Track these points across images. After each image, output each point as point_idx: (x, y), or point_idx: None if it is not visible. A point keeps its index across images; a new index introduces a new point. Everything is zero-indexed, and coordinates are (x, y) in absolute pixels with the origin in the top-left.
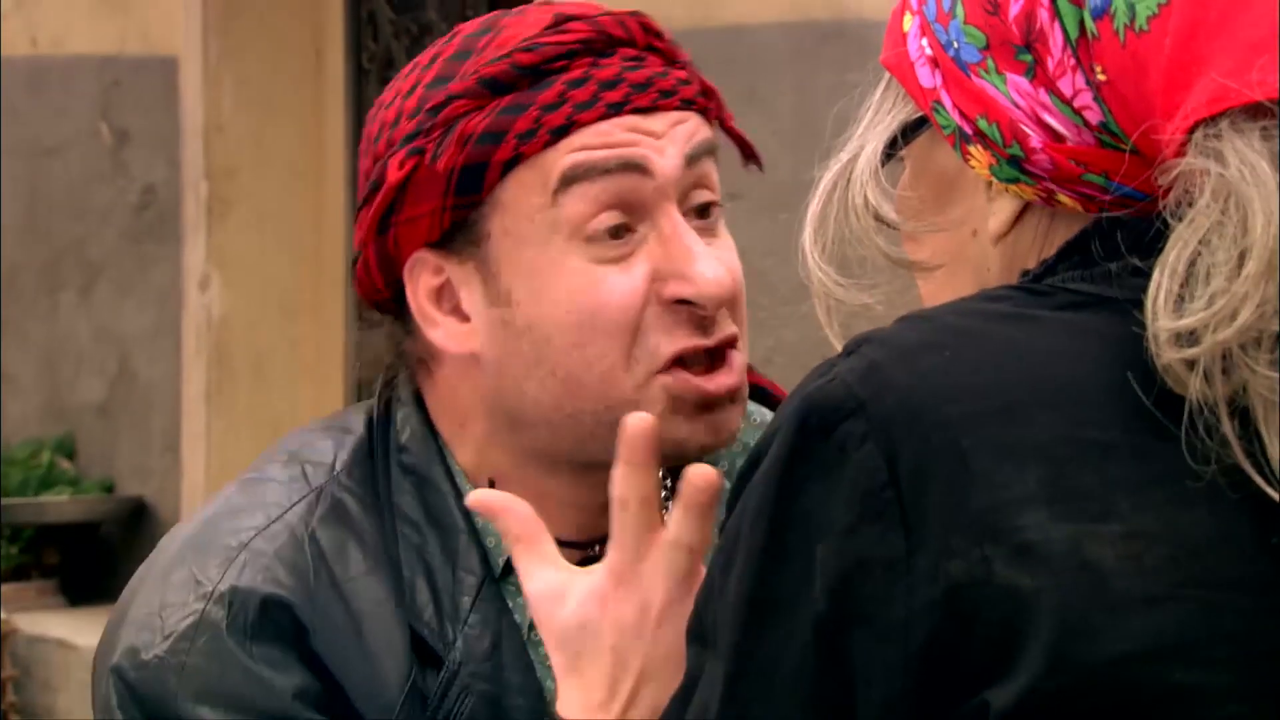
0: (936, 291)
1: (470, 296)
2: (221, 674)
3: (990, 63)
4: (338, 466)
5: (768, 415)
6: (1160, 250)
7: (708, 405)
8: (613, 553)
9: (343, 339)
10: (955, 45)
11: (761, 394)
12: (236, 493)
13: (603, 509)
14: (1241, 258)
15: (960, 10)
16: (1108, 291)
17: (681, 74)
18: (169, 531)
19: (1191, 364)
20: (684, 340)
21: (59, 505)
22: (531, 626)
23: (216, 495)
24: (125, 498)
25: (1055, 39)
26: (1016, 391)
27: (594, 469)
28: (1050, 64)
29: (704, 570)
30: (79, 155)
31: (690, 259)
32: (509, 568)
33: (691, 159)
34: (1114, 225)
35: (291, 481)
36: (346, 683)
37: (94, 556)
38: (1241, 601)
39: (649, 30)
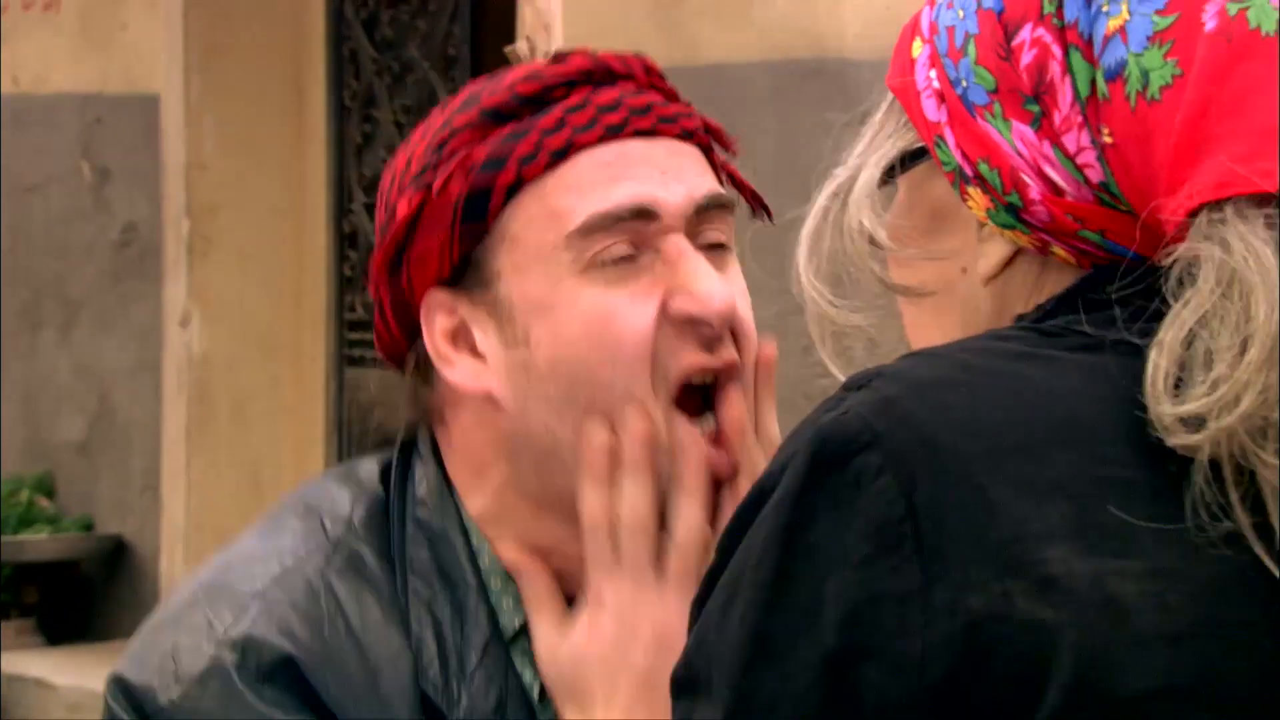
0: (922, 320)
1: (485, 337)
2: (233, 718)
3: (997, 107)
4: (355, 519)
5: None
6: (1157, 324)
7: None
8: (591, 577)
9: (324, 377)
10: (964, 84)
11: None
12: (253, 540)
13: None
14: (1244, 345)
15: (972, 49)
16: (1116, 336)
17: (683, 108)
18: (183, 578)
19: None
20: (689, 357)
21: (38, 544)
22: (541, 692)
23: (231, 542)
24: (104, 536)
25: (1065, 94)
26: (1034, 428)
27: None
28: (1057, 118)
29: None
30: (60, 193)
31: (694, 277)
32: (520, 631)
33: (702, 209)
34: (1108, 279)
35: (309, 532)
36: None
37: (73, 595)
38: (1261, 642)
39: (650, 70)
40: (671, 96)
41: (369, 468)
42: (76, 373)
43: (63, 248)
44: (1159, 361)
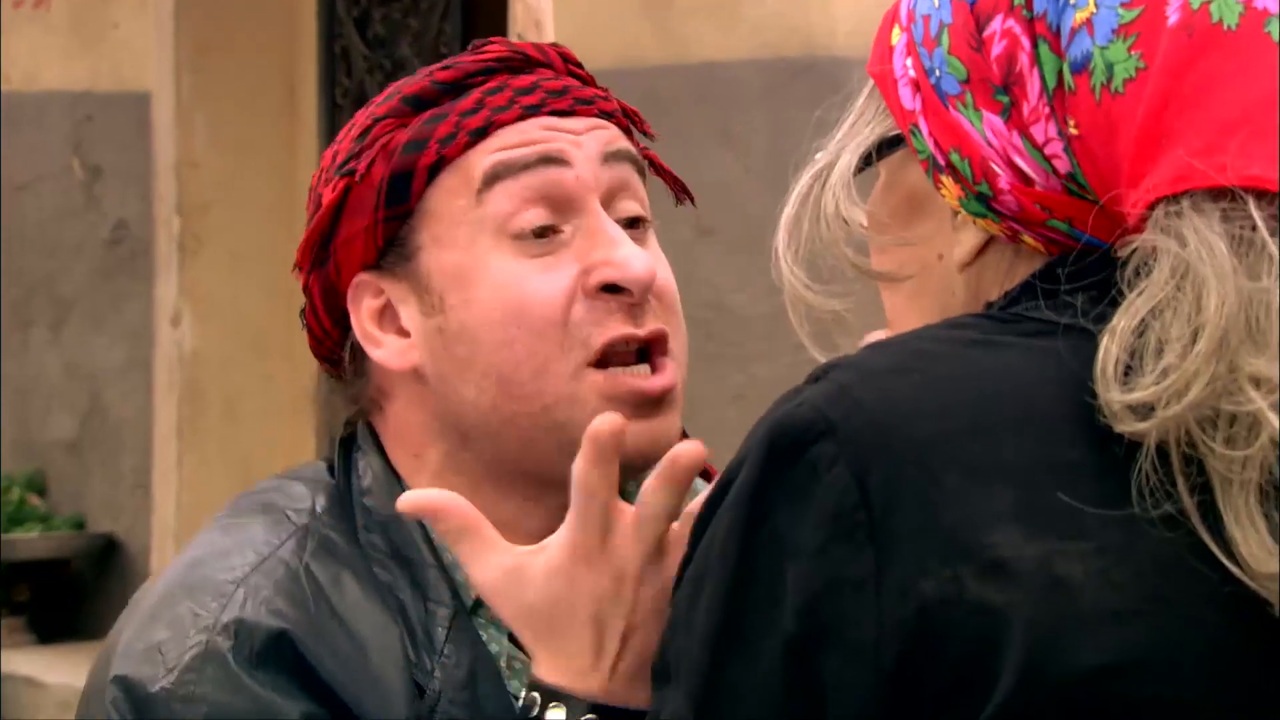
0: (901, 304)
1: (409, 312)
2: (230, 701)
3: (969, 97)
4: (317, 507)
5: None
6: (1113, 310)
7: (643, 405)
8: (575, 533)
9: (315, 376)
10: (937, 73)
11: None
12: (219, 536)
13: None
14: (1194, 335)
15: (946, 39)
16: (1071, 320)
17: (600, 92)
18: (147, 582)
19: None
20: (615, 329)
21: (29, 542)
22: (509, 659)
23: (193, 542)
24: (96, 534)
25: (1033, 85)
26: (984, 412)
27: (546, 490)
28: (1025, 109)
29: (677, 542)
30: (51, 191)
31: (613, 246)
32: (480, 602)
33: (610, 156)
34: (1075, 265)
35: (276, 523)
36: (358, 708)
37: (64, 593)
38: (1204, 616)
39: (568, 59)
40: (589, 83)
41: (312, 467)
42: (67, 371)
43: (54, 246)
44: (1110, 348)
